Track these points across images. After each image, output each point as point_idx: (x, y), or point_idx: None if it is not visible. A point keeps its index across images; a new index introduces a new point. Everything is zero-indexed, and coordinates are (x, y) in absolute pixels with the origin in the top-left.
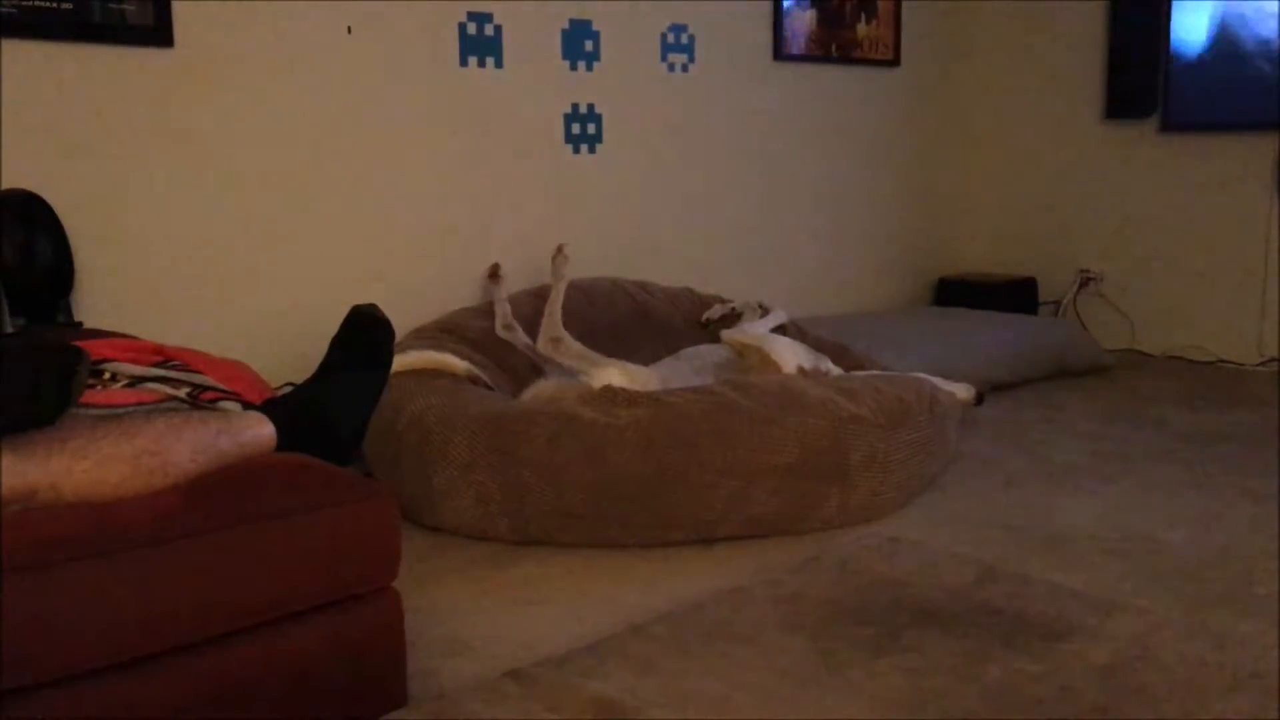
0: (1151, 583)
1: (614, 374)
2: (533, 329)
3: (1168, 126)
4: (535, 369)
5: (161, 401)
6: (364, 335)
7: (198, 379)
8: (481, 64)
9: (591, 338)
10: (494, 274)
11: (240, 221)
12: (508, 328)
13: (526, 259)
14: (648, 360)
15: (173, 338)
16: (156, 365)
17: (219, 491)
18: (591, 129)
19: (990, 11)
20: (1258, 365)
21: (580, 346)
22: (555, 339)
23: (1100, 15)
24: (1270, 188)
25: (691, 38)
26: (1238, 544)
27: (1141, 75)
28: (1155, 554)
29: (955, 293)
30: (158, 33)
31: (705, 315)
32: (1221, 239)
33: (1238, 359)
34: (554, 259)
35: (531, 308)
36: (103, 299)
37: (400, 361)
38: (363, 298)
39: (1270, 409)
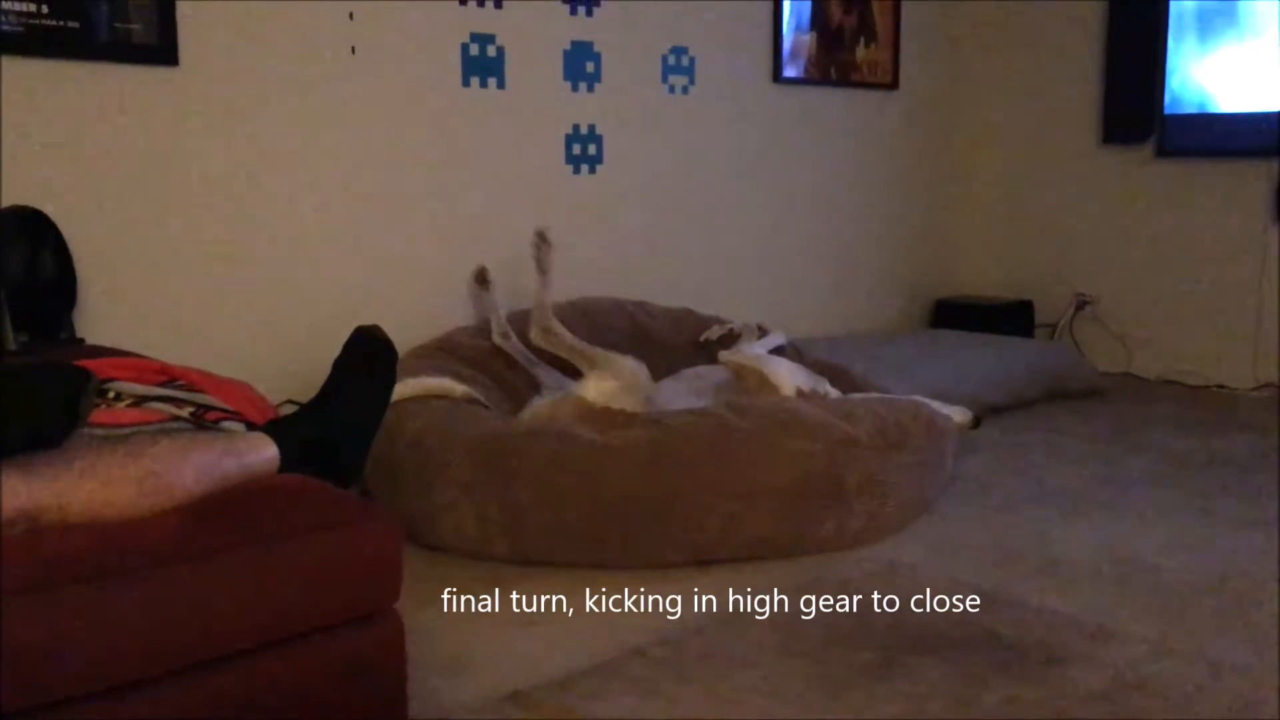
0: (1147, 609)
1: (602, 362)
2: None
3: (1164, 152)
4: (534, 385)
5: (166, 421)
6: (367, 356)
7: (201, 399)
8: (484, 84)
9: None
10: (481, 278)
11: (243, 239)
12: (504, 336)
13: (526, 279)
14: None
15: (175, 355)
16: (160, 385)
17: (222, 513)
18: (592, 150)
19: (988, 36)
20: (1252, 390)
21: (572, 337)
22: (546, 329)
23: (1098, 41)
24: (1265, 214)
25: (692, 60)
26: (1234, 570)
27: (1138, 101)
28: (1151, 580)
29: (952, 315)
30: (163, 52)
31: (704, 336)
32: (1217, 264)
33: (1232, 384)
34: (535, 246)
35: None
36: (105, 315)
37: (397, 391)
38: (365, 317)
39: (1266, 434)
